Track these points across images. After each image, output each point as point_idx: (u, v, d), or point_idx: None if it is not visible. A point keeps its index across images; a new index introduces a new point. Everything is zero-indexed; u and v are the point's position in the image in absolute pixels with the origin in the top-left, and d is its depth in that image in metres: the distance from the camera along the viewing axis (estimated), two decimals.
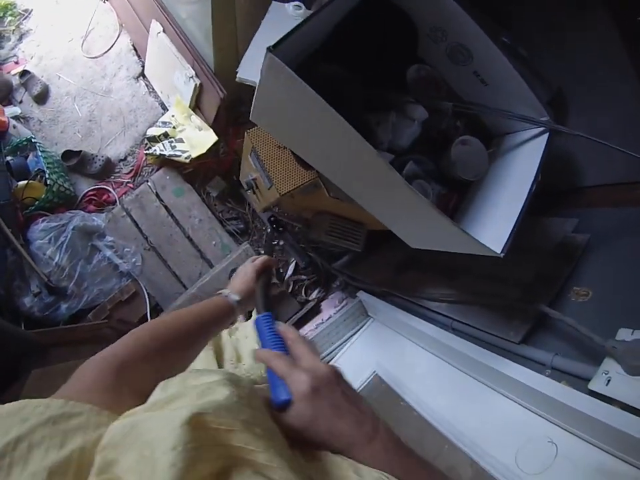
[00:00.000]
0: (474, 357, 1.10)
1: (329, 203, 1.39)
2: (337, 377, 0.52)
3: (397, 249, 1.82)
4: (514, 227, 0.90)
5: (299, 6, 1.22)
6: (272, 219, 2.02)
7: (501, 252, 0.86)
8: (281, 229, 1.97)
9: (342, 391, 0.50)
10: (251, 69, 1.21)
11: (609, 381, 0.80)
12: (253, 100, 0.96)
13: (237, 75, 1.17)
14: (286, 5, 1.23)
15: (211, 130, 2.04)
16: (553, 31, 1.21)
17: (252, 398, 0.46)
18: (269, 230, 1.97)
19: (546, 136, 1.05)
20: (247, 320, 0.97)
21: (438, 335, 1.28)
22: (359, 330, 1.83)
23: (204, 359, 1.09)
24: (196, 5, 1.73)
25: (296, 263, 2.08)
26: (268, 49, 0.76)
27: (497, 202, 1.04)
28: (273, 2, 1.23)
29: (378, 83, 1.16)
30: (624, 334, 0.84)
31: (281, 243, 2.11)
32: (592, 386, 0.82)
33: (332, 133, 0.87)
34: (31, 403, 0.37)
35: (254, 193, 1.62)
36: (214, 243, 2.11)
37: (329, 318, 1.87)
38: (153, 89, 2.33)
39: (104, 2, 2.50)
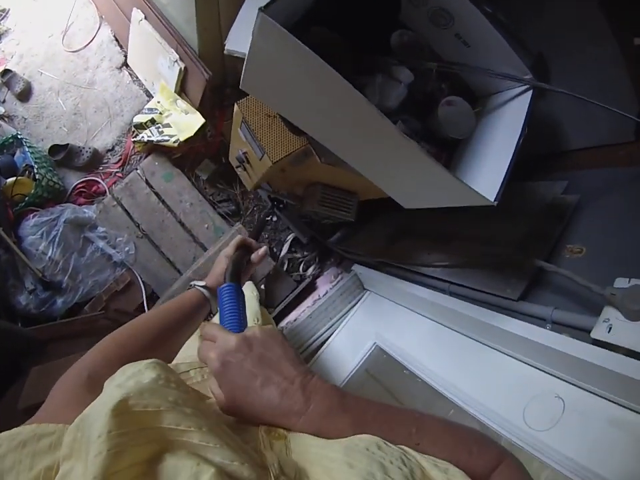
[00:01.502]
0: (474, 316, 1.11)
1: (320, 172, 1.38)
2: (248, 343, 0.49)
3: (389, 220, 1.83)
4: (505, 175, 0.89)
5: None
6: (271, 196, 2.02)
7: (494, 200, 0.85)
8: (281, 205, 1.97)
9: (257, 356, 0.48)
10: (238, 40, 1.19)
11: (610, 328, 0.81)
12: (244, 68, 0.94)
13: (225, 47, 1.15)
14: None
15: (198, 113, 2.02)
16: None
17: (183, 382, 0.44)
18: (269, 206, 1.97)
19: (530, 93, 1.07)
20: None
21: (436, 299, 1.29)
22: (356, 304, 1.82)
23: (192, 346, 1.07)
24: None
25: (291, 242, 2.06)
26: (260, 9, 0.75)
27: (485, 156, 1.04)
28: None
29: (363, 47, 1.16)
30: (621, 283, 0.84)
31: (274, 219, 2.09)
32: (594, 334, 0.82)
33: (325, 89, 0.86)
34: (3, 434, 0.38)
35: (244, 169, 1.60)
36: (206, 226, 2.09)
37: (325, 294, 1.85)
38: (137, 77, 2.29)
39: None
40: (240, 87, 1.01)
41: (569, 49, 1.22)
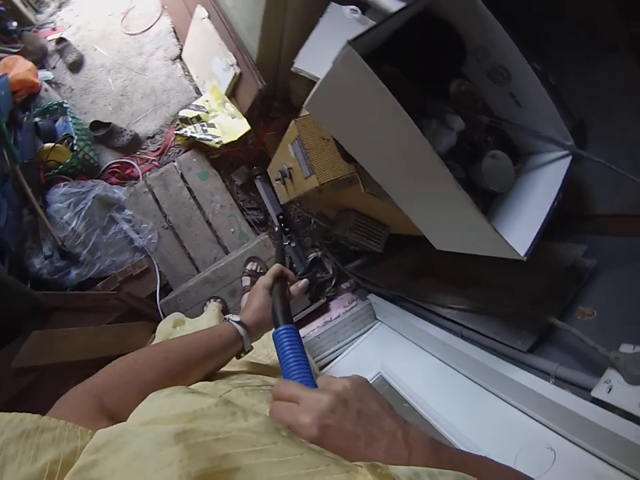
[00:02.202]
0: (482, 361, 1.16)
1: (359, 200, 1.48)
2: (342, 400, 0.46)
3: (411, 256, 1.91)
4: (537, 234, 0.96)
5: (354, 10, 1.28)
6: (281, 216, 2.08)
7: (524, 255, 0.91)
8: (287, 229, 2.03)
9: (356, 414, 0.45)
10: (308, 61, 1.26)
11: (610, 389, 0.87)
12: (314, 90, 1.02)
13: (294, 65, 1.23)
14: (343, 7, 1.28)
15: (244, 119, 2.10)
16: (582, 62, 1.29)
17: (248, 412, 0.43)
18: (277, 228, 2.02)
19: (569, 159, 1.12)
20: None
21: (447, 339, 1.35)
22: (366, 332, 1.92)
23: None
24: None
25: (310, 261, 2.11)
26: (349, 42, 0.82)
27: (519, 213, 1.11)
28: (332, 3, 1.28)
29: (424, 91, 1.22)
30: (626, 348, 0.91)
31: (293, 245, 2.17)
32: (594, 393, 0.89)
33: (389, 126, 0.92)
34: (4, 416, 0.37)
35: (283, 183, 1.67)
36: (232, 230, 2.16)
37: (338, 317, 1.94)
38: (189, 72, 2.40)
39: None
40: (304, 107, 1.09)
41: (608, 114, 1.29)
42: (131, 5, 2.53)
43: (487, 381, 1.19)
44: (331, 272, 2.15)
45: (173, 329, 1.36)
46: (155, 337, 1.37)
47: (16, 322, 1.59)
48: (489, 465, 0.50)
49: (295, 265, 2.17)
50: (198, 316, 1.54)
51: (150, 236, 2.16)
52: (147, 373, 0.60)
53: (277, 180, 1.73)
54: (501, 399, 1.14)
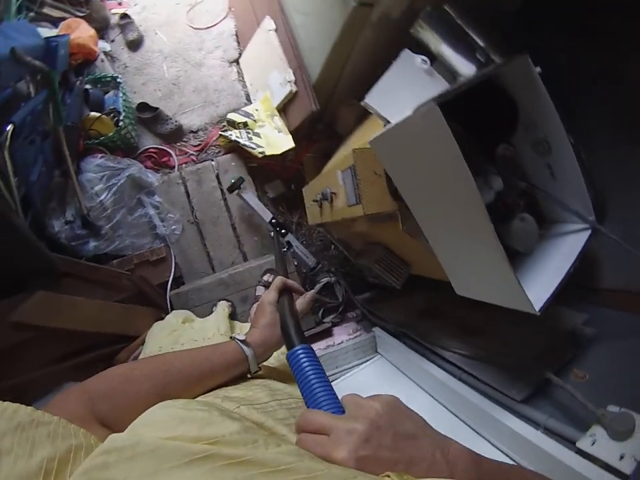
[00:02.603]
0: (477, 404, 1.29)
1: (391, 236, 1.59)
2: (376, 427, 0.44)
3: (421, 297, 2.05)
4: (552, 295, 1.05)
5: (425, 61, 1.37)
6: (273, 220, 2.20)
7: (539, 311, 1.00)
8: (284, 230, 2.17)
9: (391, 439, 0.44)
10: (378, 100, 1.32)
11: (594, 442, 0.98)
12: (384, 130, 1.14)
13: (364, 101, 1.30)
14: (415, 55, 1.37)
15: (290, 136, 2.18)
16: (609, 135, 1.41)
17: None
18: (272, 234, 2.13)
19: (588, 233, 1.22)
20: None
21: (446, 380, 1.47)
22: (365, 362, 2.04)
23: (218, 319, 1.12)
24: (312, 17, 1.91)
25: (324, 284, 2.18)
26: (434, 100, 0.91)
27: (538, 274, 1.19)
28: (406, 49, 1.37)
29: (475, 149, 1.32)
30: (612, 408, 1.03)
31: (291, 251, 2.26)
32: (579, 444, 1.00)
33: (451, 178, 1.02)
34: None
35: (320, 206, 1.74)
36: (255, 239, 2.26)
37: (341, 343, 2.07)
38: (243, 78, 2.54)
39: None
40: (368, 142, 1.21)
41: (630, 186, 1.40)
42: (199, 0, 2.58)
43: (479, 423, 1.32)
44: (340, 299, 2.24)
45: (181, 324, 1.34)
46: (151, 330, 1.32)
47: (23, 277, 1.61)
48: (525, 475, 0.52)
49: (304, 270, 2.29)
50: (205, 315, 1.60)
51: (174, 227, 2.24)
52: (143, 384, 0.59)
53: (314, 201, 1.81)
54: (490, 442, 1.27)
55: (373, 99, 1.31)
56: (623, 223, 1.33)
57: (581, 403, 1.05)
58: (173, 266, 2.22)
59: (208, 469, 0.33)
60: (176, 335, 1.21)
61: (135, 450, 0.34)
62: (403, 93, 1.30)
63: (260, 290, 2.09)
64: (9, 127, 1.62)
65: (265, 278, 2.13)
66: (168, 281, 2.19)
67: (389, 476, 0.38)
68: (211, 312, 1.92)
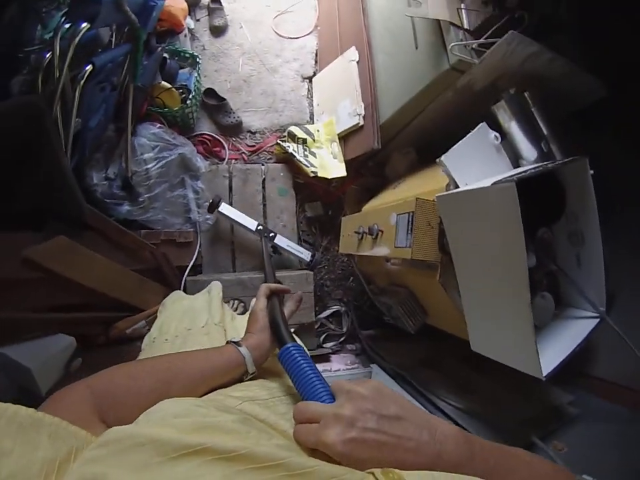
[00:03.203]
0: None
1: (422, 283, 1.66)
2: (362, 411, 0.47)
3: (423, 347, 2.12)
4: (556, 367, 1.14)
5: (497, 137, 1.46)
6: (260, 227, 2.22)
7: (545, 377, 1.09)
8: (272, 234, 2.22)
9: (376, 422, 0.46)
10: (451, 161, 1.40)
11: None
12: (455, 191, 1.26)
13: (440, 159, 1.37)
14: (490, 131, 1.46)
15: (344, 165, 2.24)
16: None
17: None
18: (260, 239, 2.15)
19: (596, 321, 1.33)
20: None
21: None
22: None
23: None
24: (398, 64, 1.98)
25: (333, 312, 2.24)
26: (512, 179, 1.00)
27: (544, 347, 1.24)
28: (484, 123, 1.45)
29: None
30: (587, 477, 1.13)
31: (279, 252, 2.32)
32: None
33: (505, 247, 1.09)
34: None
35: (360, 239, 1.80)
36: (282, 252, 2.23)
37: (337, 370, 2.13)
38: (312, 96, 2.56)
39: None
40: (435, 197, 1.30)
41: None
42: (289, 8, 2.68)
43: None
44: (345, 329, 2.28)
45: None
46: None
47: (47, 215, 1.58)
48: (522, 457, 0.53)
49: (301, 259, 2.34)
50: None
51: (208, 216, 2.23)
52: (146, 380, 0.61)
53: (355, 232, 1.85)
54: None
55: (448, 160, 1.38)
56: (626, 311, 1.43)
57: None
58: (196, 254, 2.23)
59: (198, 464, 0.35)
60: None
61: (125, 443, 0.37)
62: (471, 161, 1.39)
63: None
64: (88, 67, 1.61)
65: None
66: (187, 265, 2.19)
67: (373, 473, 0.40)
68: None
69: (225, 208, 2.21)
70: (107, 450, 0.36)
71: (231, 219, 2.22)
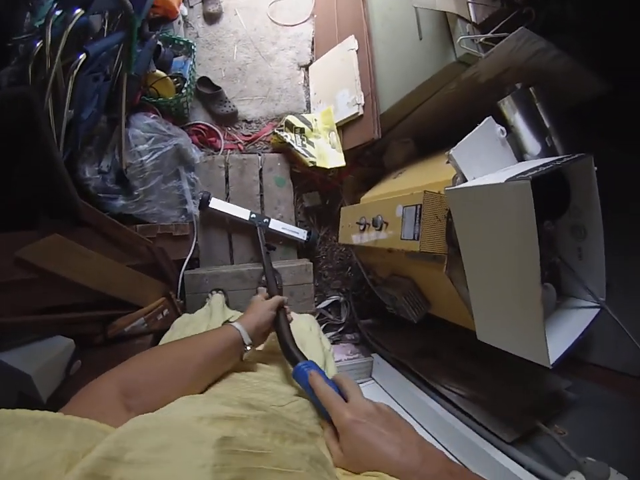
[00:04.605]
0: (471, 438, 1.41)
1: (427, 275, 1.66)
2: (378, 410, 0.59)
3: (427, 335, 2.13)
4: (563, 354, 1.17)
5: (503, 131, 1.44)
6: (253, 215, 2.20)
7: (552, 365, 1.11)
8: (266, 220, 2.21)
9: (385, 420, 0.57)
10: (460, 156, 1.37)
11: None
12: (465, 185, 1.23)
13: (450, 153, 1.35)
14: (497, 125, 1.45)
15: (342, 154, 2.21)
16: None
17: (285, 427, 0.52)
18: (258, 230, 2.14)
19: (597, 311, 1.36)
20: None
21: (443, 414, 1.58)
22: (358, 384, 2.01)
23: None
24: (400, 55, 1.95)
25: (331, 302, 2.22)
26: (528, 177, 1.00)
27: (550, 336, 1.31)
28: (490, 117, 1.44)
29: None
30: (590, 459, 1.14)
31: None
32: None
33: (516, 242, 1.09)
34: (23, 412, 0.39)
35: (362, 230, 1.76)
36: (281, 242, 2.22)
37: (339, 361, 2.13)
38: (308, 85, 2.53)
39: None
40: (445, 189, 1.29)
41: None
42: None
43: (465, 455, 1.44)
44: (344, 320, 2.26)
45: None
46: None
47: (39, 211, 1.55)
48: None
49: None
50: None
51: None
52: (162, 361, 0.68)
53: (357, 223, 1.81)
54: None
55: (457, 154, 1.35)
56: (623, 301, 1.46)
57: (563, 452, 1.18)
58: (193, 246, 2.19)
59: (219, 452, 0.37)
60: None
61: (146, 424, 0.39)
62: (478, 155, 1.38)
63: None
64: (82, 56, 1.56)
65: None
66: (185, 259, 2.14)
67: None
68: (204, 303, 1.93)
69: (215, 203, 2.20)
70: (128, 430, 0.38)
71: (223, 212, 2.21)
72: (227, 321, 0.91)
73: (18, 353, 1.47)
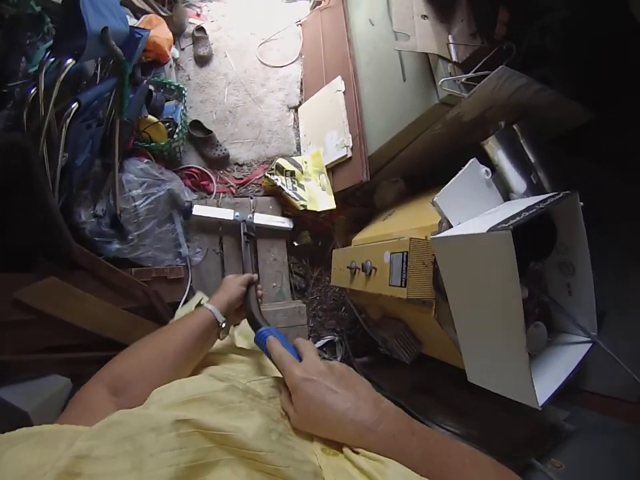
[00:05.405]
0: None
1: (416, 317, 1.69)
2: (330, 368, 0.57)
3: (417, 372, 2.13)
4: (552, 394, 1.18)
5: (487, 172, 1.48)
6: (237, 214, 2.23)
7: (541, 406, 1.13)
8: (250, 216, 2.25)
9: (338, 378, 0.55)
10: (445, 202, 1.42)
11: None
12: (449, 233, 1.27)
13: (434, 200, 1.37)
14: (481, 166, 1.49)
15: (333, 197, 2.26)
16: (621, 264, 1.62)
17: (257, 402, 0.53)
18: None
19: (589, 345, 1.36)
20: None
21: None
22: None
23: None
24: (385, 96, 2.00)
25: (326, 342, 2.26)
26: (508, 227, 1.02)
27: (540, 375, 1.29)
28: (474, 159, 1.47)
29: None
30: None
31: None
32: None
33: (500, 287, 1.12)
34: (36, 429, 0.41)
35: (353, 274, 1.80)
36: (274, 284, 2.31)
37: None
38: (298, 127, 2.54)
39: (297, 25, 2.68)
40: (430, 237, 1.33)
41: (627, 305, 1.58)
42: (274, 36, 2.71)
43: None
44: (339, 358, 2.30)
45: None
46: None
47: (34, 256, 1.57)
48: (462, 449, 0.56)
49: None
50: None
51: (198, 251, 2.24)
52: (143, 351, 0.70)
53: (348, 267, 1.85)
54: None
55: (442, 200, 1.40)
56: (614, 330, 1.51)
57: None
58: (187, 288, 2.19)
59: (176, 435, 0.39)
60: None
61: (113, 418, 0.41)
62: (463, 198, 1.42)
63: None
64: (74, 105, 1.58)
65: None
66: (179, 301, 2.15)
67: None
68: None
69: (197, 209, 2.22)
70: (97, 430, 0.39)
71: (207, 217, 2.23)
72: (199, 304, 0.89)
73: (16, 390, 1.49)
